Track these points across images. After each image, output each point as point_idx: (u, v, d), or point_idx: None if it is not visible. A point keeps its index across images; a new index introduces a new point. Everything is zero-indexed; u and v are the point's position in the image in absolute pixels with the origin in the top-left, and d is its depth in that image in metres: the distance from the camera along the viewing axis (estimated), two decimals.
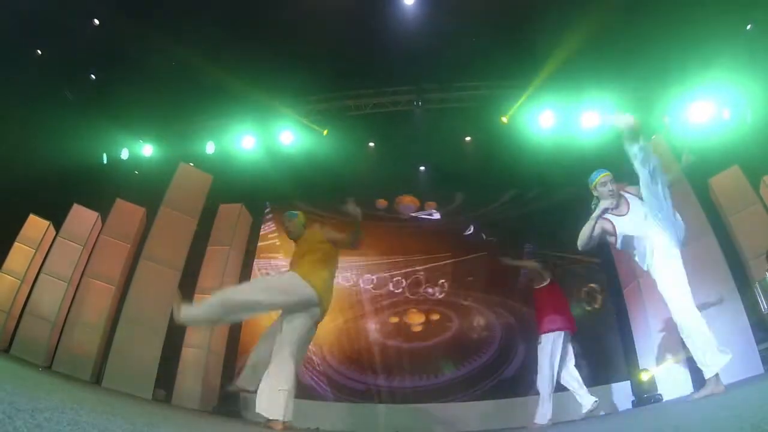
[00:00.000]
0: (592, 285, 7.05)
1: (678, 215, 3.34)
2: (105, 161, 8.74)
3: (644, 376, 5.56)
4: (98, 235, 7.03)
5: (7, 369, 3.00)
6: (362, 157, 8.36)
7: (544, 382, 4.49)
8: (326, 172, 8.04)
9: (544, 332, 4.62)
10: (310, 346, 4.37)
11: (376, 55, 7.06)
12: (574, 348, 4.76)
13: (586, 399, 4.47)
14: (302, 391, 5.59)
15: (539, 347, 4.63)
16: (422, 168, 8.69)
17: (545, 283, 4.84)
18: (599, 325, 6.82)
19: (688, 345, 3.06)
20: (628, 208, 3.45)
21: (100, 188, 7.77)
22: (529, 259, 5.21)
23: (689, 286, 3.13)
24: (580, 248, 3.48)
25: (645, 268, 3.44)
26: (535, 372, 4.64)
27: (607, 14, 5.94)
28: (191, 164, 7.54)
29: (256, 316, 3.67)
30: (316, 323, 3.40)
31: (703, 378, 2.99)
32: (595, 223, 3.39)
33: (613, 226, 3.42)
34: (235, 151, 8.31)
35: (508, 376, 6.81)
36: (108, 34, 6.63)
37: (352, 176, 8.13)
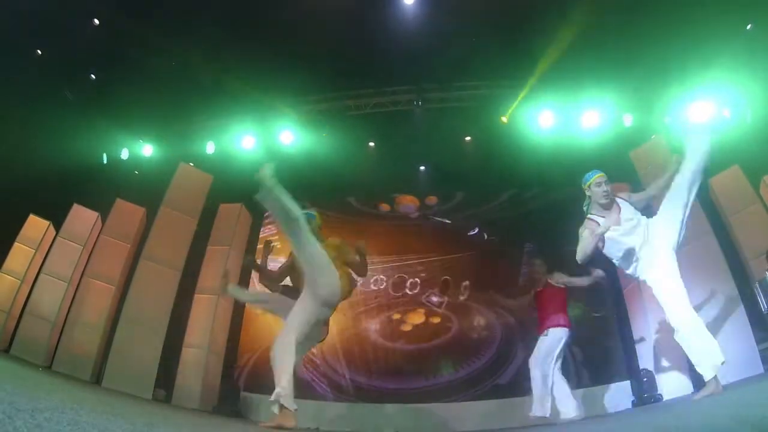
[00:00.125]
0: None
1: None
2: (105, 161, 8.75)
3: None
4: (98, 235, 7.03)
5: (7, 369, 3.00)
6: (362, 156, 8.35)
7: (537, 377, 4.53)
8: (326, 172, 8.04)
9: (547, 328, 4.64)
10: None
11: (376, 55, 7.06)
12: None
13: (569, 406, 4.46)
14: (302, 391, 5.59)
15: (540, 342, 4.65)
16: (422, 168, 8.69)
17: (548, 286, 4.86)
18: (599, 325, 6.82)
19: (685, 349, 3.06)
20: (619, 213, 3.38)
21: (100, 188, 7.76)
22: (537, 263, 5.17)
23: (686, 289, 3.12)
24: (579, 262, 3.40)
25: (629, 272, 3.40)
26: None
27: (607, 14, 5.94)
28: (191, 164, 7.54)
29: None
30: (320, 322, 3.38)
31: (703, 378, 2.99)
32: (597, 240, 3.28)
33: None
34: (235, 151, 8.31)
35: (508, 376, 6.81)
36: (108, 34, 6.62)
37: (352, 176, 8.14)
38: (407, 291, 7.74)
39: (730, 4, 5.72)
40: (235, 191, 7.85)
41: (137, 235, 7.15)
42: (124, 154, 8.68)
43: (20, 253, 7.03)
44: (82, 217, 7.15)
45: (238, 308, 7.49)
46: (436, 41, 6.82)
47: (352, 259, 3.53)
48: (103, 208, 7.22)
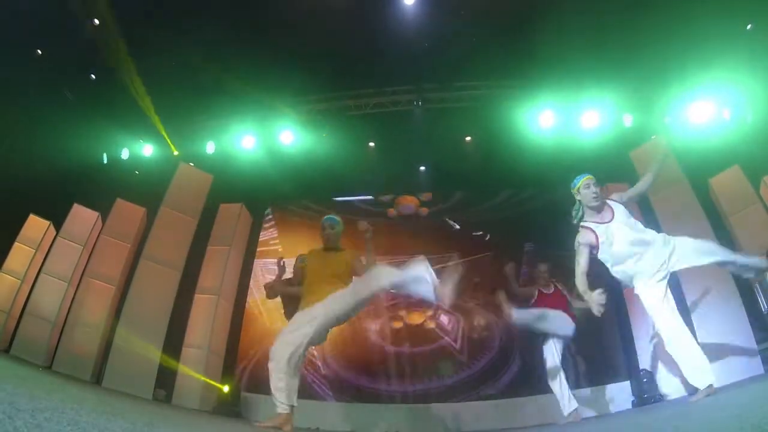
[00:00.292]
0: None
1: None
2: (105, 161, 8.76)
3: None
4: (98, 235, 7.03)
5: (7, 369, 3.00)
6: (362, 156, 8.35)
7: (554, 377, 4.53)
8: (326, 171, 8.04)
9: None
10: (311, 349, 4.35)
11: (376, 55, 7.06)
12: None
13: (568, 404, 4.47)
14: (303, 391, 5.59)
15: (545, 346, 4.65)
16: (422, 168, 8.68)
17: (551, 290, 4.85)
18: (599, 325, 6.81)
19: (676, 360, 3.03)
20: (612, 216, 3.30)
21: (100, 188, 7.77)
22: (538, 263, 5.18)
23: (674, 301, 3.11)
24: (581, 291, 3.37)
25: (619, 278, 3.34)
26: (536, 372, 4.66)
27: (607, 14, 5.94)
28: (191, 164, 7.54)
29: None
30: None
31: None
32: (587, 263, 3.31)
33: (596, 236, 3.28)
34: (236, 150, 8.31)
35: (508, 376, 6.81)
36: (108, 34, 6.63)
37: (353, 176, 8.14)
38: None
39: (730, 4, 5.72)
40: (235, 191, 7.87)
41: (137, 235, 7.15)
42: (124, 154, 8.69)
43: (20, 253, 7.03)
44: (82, 217, 7.15)
45: (238, 308, 7.49)
46: (436, 41, 6.83)
47: (359, 268, 3.36)
48: (103, 208, 7.22)
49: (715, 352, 4.66)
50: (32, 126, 7.26)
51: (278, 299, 4.85)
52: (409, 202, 8.53)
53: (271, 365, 3.01)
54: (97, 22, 6.61)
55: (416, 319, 7.47)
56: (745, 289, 5.31)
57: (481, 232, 8.00)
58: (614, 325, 6.70)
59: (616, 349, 6.57)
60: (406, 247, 7.99)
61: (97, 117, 7.64)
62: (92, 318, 6.34)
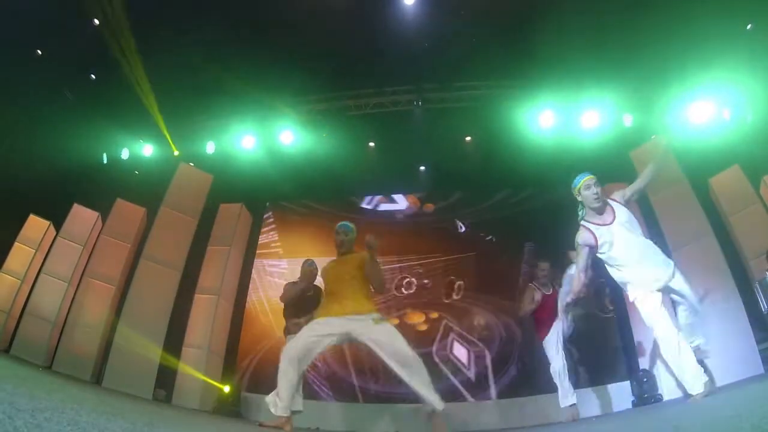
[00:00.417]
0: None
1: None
2: (105, 161, 8.76)
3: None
4: (98, 235, 7.03)
5: (7, 369, 3.00)
6: (362, 156, 8.35)
7: (557, 372, 4.56)
8: (326, 172, 8.04)
9: (549, 328, 4.65)
10: None
11: (376, 55, 7.06)
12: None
13: (569, 398, 4.50)
14: (303, 392, 5.58)
15: (545, 343, 4.66)
16: (422, 168, 8.68)
17: (550, 291, 4.85)
18: (599, 325, 6.81)
19: (669, 364, 3.07)
20: (614, 218, 3.28)
21: (100, 188, 7.77)
22: (539, 262, 5.20)
23: (670, 310, 3.17)
24: (576, 291, 3.46)
25: (617, 279, 3.37)
26: (536, 372, 4.67)
27: (607, 14, 5.94)
28: (191, 164, 7.54)
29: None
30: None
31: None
32: (588, 260, 3.36)
33: (595, 238, 3.28)
34: (236, 150, 8.31)
35: (508, 376, 6.80)
36: (108, 34, 6.63)
37: (353, 176, 8.14)
38: (405, 291, 7.72)
39: (730, 4, 5.72)
40: (235, 191, 7.87)
41: (137, 235, 7.15)
42: (125, 154, 8.69)
43: (20, 253, 7.04)
44: (82, 217, 7.16)
45: (238, 309, 7.50)
46: (436, 41, 6.83)
47: (375, 274, 3.40)
48: (103, 208, 7.22)
49: (715, 352, 4.67)
50: (32, 126, 7.26)
51: (281, 305, 4.89)
52: (409, 203, 8.53)
53: (281, 365, 3.10)
54: (97, 22, 6.61)
55: (416, 319, 7.46)
56: (745, 289, 5.31)
57: (490, 237, 7.96)
58: (614, 325, 6.71)
59: (616, 349, 6.57)
60: (409, 247, 8.00)
61: (97, 117, 7.64)
62: (92, 318, 6.34)
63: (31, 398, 1.32)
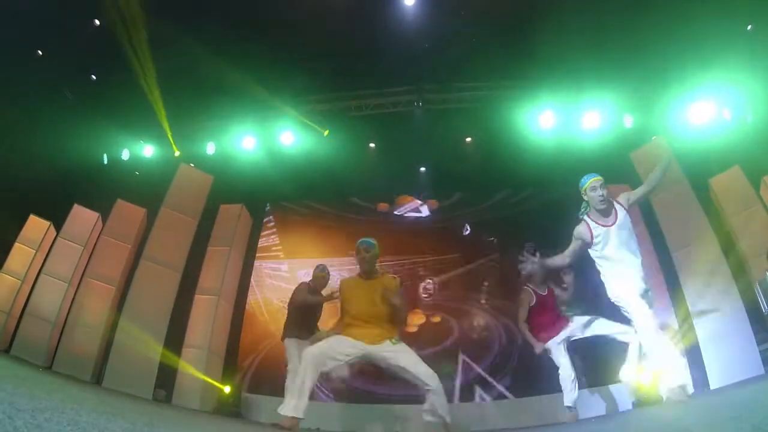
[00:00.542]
0: None
1: None
2: (105, 161, 8.76)
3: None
4: (99, 236, 7.04)
5: (7, 369, 3.00)
6: (363, 157, 8.36)
7: (565, 376, 4.48)
8: (327, 172, 8.04)
9: (550, 330, 4.62)
10: None
11: (376, 55, 7.06)
12: (574, 349, 4.74)
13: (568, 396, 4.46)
14: None
15: (550, 347, 4.61)
16: (422, 168, 8.68)
17: (545, 291, 4.83)
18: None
19: (650, 353, 3.14)
20: (615, 221, 3.31)
21: (100, 188, 7.78)
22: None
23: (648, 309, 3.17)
24: (548, 262, 3.55)
25: (603, 279, 3.39)
26: (536, 372, 4.64)
27: (608, 14, 5.94)
28: (192, 165, 7.54)
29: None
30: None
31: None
32: (579, 248, 3.42)
33: (591, 235, 3.33)
34: (236, 151, 8.32)
35: (508, 377, 6.80)
36: (108, 34, 6.63)
37: (353, 177, 8.14)
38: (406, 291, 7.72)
39: (730, 4, 5.72)
40: (235, 192, 7.87)
41: (138, 235, 7.15)
42: (125, 155, 8.70)
43: (20, 254, 7.04)
44: (82, 218, 7.16)
45: (239, 309, 7.49)
46: (436, 41, 6.83)
47: (399, 304, 3.36)
48: (103, 208, 7.22)
49: (715, 352, 4.68)
50: (32, 126, 7.26)
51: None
52: (409, 202, 8.53)
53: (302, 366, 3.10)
54: (97, 22, 6.62)
55: (417, 320, 7.47)
56: (746, 289, 5.30)
57: (492, 239, 7.95)
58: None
59: (616, 350, 6.56)
60: (410, 247, 8.00)
61: (97, 117, 7.64)
62: (92, 318, 6.34)
63: (31, 398, 1.32)
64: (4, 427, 0.93)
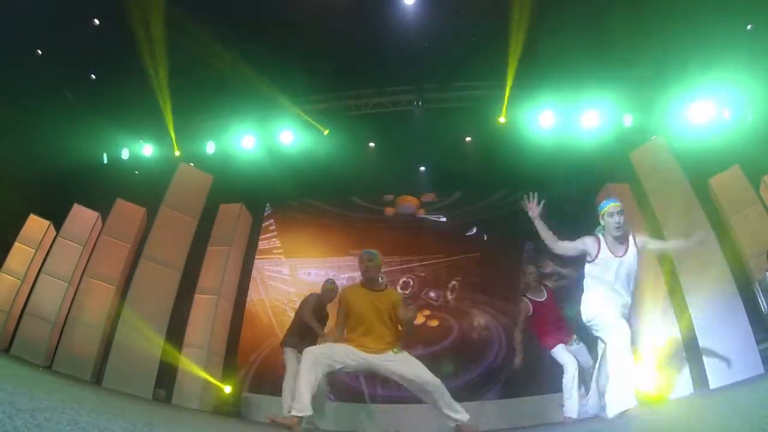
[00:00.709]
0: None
1: None
2: (105, 161, 8.76)
3: None
4: (98, 235, 7.03)
5: (7, 369, 3.00)
6: (362, 157, 8.35)
7: (569, 380, 4.41)
8: (326, 172, 8.04)
9: (554, 334, 4.59)
10: None
11: (376, 55, 7.06)
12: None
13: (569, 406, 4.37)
14: None
15: (555, 352, 4.58)
16: (422, 168, 8.68)
17: (543, 297, 4.78)
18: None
19: (613, 374, 3.05)
20: (624, 254, 3.28)
21: (100, 188, 7.78)
22: (527, 265, 5.13)
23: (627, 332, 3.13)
24: (554, 249, 3.50)
25: (582, 309, 3.40)
26: (536, 373, 4.63)
27: (608, 14, 5.94)
28: (191, 164, 7.54)
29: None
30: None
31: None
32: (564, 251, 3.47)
33: (597, 253, 3.32)
34: (236, 151, 8.31)
35: (509, 377, 6.80)
36: (108, 34, 6.63)
37: (353, 176, 8.14)
38: (404, 291, 7.72)
39: (730, 4, 5.72)
40: (235, 191, 7.87)
41: (137, 235, 7.15)
42: (125, 154, 8.69)
43: (20, 253, 7.04)
44: (82, 217, 7.15)
45: (238, 309, 7.49)
46: (436, 41, 6.82)
47: (408, 316, 3.45)
48: (103, 208, 7.22)
49: (715, 352, 4.68)
50: (32, 126, 7.26)
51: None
52: (409, 202, 8.53)
53: (304, 366, 3.12)
54: (97, 22, 6.61)
55: (417, 320, 7.46)
56: (745, 289, 5.31)
57: (473, 231, 7.97)
58: None
59: None
60: (404, 246, 8.00)
61: (97, 117, 7.64)
62: (92, 318, 6.34)
63: (31, 398, 1.32)
64: (4, 426, 0.93)
